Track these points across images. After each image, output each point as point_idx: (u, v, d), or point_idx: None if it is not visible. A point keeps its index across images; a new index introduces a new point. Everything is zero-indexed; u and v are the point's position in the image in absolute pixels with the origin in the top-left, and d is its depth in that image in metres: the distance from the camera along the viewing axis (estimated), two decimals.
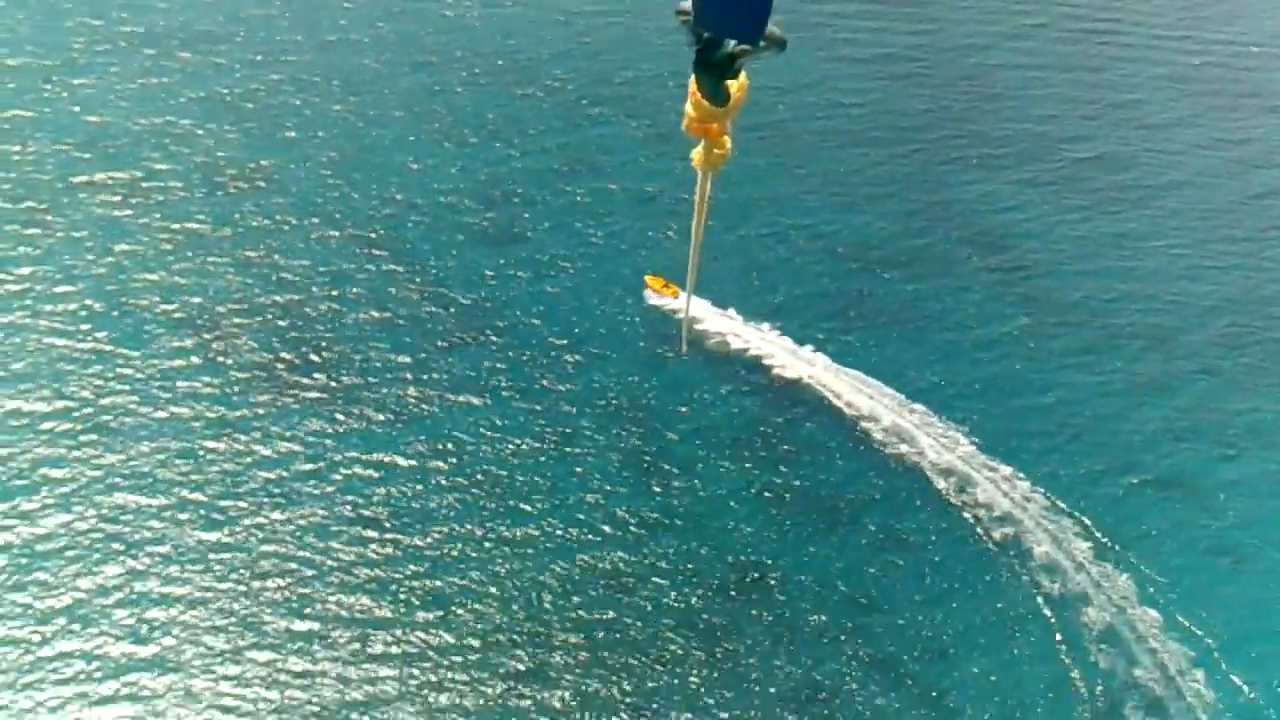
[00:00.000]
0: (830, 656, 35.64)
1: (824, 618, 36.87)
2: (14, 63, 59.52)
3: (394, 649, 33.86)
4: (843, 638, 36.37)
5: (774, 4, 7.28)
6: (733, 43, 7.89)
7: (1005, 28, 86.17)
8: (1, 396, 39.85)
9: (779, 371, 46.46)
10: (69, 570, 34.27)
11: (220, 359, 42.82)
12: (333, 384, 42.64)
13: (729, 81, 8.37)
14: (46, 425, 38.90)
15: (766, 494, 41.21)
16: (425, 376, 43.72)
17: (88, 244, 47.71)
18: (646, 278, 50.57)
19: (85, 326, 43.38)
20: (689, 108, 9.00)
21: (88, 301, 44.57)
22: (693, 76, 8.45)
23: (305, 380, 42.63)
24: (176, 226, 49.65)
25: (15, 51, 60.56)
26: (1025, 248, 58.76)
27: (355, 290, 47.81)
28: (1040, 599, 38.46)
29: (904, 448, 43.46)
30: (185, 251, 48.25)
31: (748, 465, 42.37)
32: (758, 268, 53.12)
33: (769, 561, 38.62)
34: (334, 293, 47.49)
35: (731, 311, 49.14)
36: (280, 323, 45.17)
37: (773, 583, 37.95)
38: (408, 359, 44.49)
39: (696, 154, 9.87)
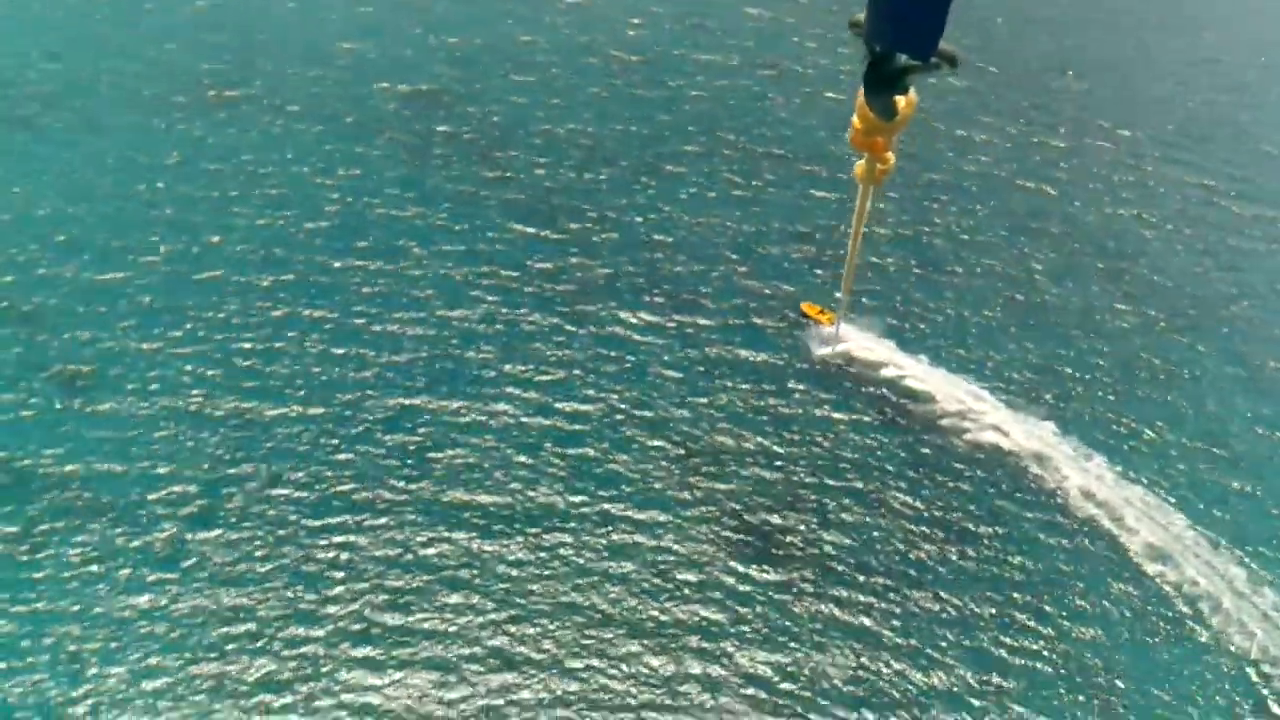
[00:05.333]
0: None
1: None
2: None
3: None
4: None
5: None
6: (904, 58, 7.92)
7: None
8: None
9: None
10: None
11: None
12: None
13: (897, 97, 8.41)
14: None
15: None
16: None
17: None
18: (803, 305, 48.61)
19: None
20: (856, 120, 8.93)
21: None
22: (861, 89, 8.49)
23: None
24: None
25: None
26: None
27: None
28: None
29: None
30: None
31: None
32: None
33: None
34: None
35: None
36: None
37: None
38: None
39: (860, 167, 9.87)
